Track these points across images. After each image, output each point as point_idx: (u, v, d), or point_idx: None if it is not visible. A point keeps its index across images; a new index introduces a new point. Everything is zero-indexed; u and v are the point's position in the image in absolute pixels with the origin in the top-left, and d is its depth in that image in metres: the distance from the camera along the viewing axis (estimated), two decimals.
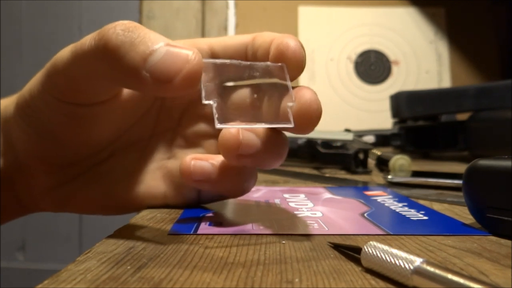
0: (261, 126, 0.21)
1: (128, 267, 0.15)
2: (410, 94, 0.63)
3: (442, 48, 0.95)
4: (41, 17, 1.11)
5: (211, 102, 0.20)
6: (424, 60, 0.95)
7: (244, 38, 0.24)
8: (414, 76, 0.95)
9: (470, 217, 0.21)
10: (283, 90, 0.21)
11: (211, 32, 0.98)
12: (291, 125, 0.20)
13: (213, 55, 0.25)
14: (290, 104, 0.21)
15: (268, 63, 0.22)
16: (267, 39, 0.23)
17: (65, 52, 0.21)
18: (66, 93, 0.23)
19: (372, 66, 0.95)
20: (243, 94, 0.24)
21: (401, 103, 0.62)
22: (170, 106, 0.26)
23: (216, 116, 0.20)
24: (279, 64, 0.21)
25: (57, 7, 1.11)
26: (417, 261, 0.13)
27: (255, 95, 0.23)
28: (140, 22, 0.99)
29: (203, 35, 0.97)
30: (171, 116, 0.27)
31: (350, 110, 0.91)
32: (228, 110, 0.22)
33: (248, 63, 0.22)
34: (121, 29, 0.19)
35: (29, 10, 1.11)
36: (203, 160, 0.23)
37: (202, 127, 0.26)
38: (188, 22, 0.98)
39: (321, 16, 0.97)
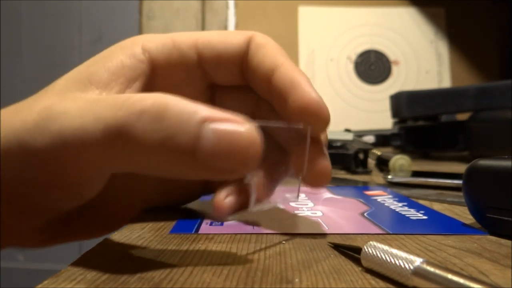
0: (274, 206, 0.21)
1: (128, 267, 0.15)
2: (410, 94, 0.63)
3: (442, 48, 0.95)
4: (41, 17, 1.11)
5: (251, 182, 0.19)
6: (424, 60, 0.95)
7: (238, 44, 0.21)
8: (414, 76, 0.95)
9: (470, 217, 0.21)
10: (301, 151, 0.20)
11: None
12: (295, 200, 0.21)
13: (202, 62, 0.22)
14: (300, 176, 0.20)
15: (295, 125, 0.20)
16: (268, 62, 0.21)
17: (44, 139, 0.17)
18: (62, 179, 0.18)
19: (372, 66, 0.95)
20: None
21: (401, 103, 0.62)
22: None
23: (253, 198, 0.19)
24: (304, 126, 0.20)
25: (57, 7, 1.11)
26: (417, 261, 0.13)
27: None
28: (140, 22, 0.99)
29: None
30: None
31: (350, 110, 0.91)
32: None
33: (286, 124, 0.21)
34: (149, 122, 0.15)
35: (29, 10, 1.11)
36: (236, 195, 0.22)
37: None
38: (188, 22, 0.98)
39: (321, 16, 0.97)
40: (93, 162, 0.17)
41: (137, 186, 0.24)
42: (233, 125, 0.16)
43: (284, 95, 0.20)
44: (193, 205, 0.27)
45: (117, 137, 0.16)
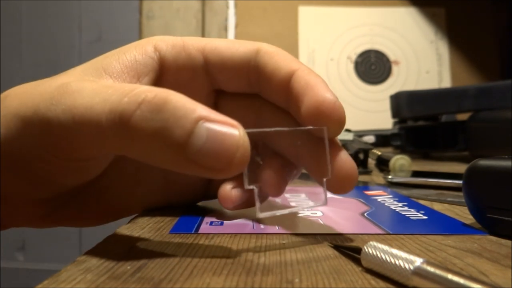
0: (296, 210, 0.21)
1: (128, 267, 0.15)
2: (410, 94, 0.63)
3: (442, 48, 0.95)
4: (41, 17, 1.11)
5: (254, 187, 0.19)
6: (424, 60, 0.95)
7: (245, 53, 0.22)
8: (414, 76, 0.95)
9: (470, 217, 0.21)
10: (320, 155, 0.20)
11: (211, 32, 0.98)
12: (324, 205, 0.20)
13: (208, 66, 0.23)
14: (325, 179, 0.20)
15: (310, 127, 0.20)
16: (283, 69, 0.21)
17: (56, 111, 0.18)
18: (68, 153, 0.19)
19: (372, 66, 0.95)
20: (277, 162, 0.22)
21: (401, 103, 0.62)
22: None
23: (258, 205, 0.19)
24: (320, 127, 0.20)
25: (57, 7, 1.11)
26: (417, 261, 0.13)
27: (288, 169, 0.22)
28: (140, 22, 0.99)
29: (203, 35, 0.97)
30: None
31: (350, 110, 0.91)
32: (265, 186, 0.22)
33: (291, 129, 0.20)
34: (148, 111, 0.16)
35: (29, 10, 1.11)
36: (241, 188, 0.23)
37: None
38: (188, 22, 0.98)
39: (321, 16, 0.97)
40: (94, 142, 0.18)
41: (139, 180, 0.25)
42: (227, 128, 0.16)
43: (300, 98, 0.20)
44: (194, 205, 0.27)
45: (118, 122, 0.17)
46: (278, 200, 0.28)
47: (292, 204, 0.27)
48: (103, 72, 0.20)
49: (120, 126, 0.17)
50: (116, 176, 0.24)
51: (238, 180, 0.23)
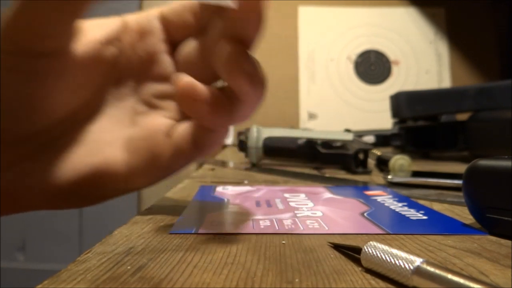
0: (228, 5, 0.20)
1: (128, 267, 0.15)
2: (410, 94, 0.63)
3: (442, 48, 0.95)
4: None
5: None
6: (424, 60, 0.95)
7: None
8: (414, 76, 0.95)
9: (470, 217, 0.21)
10: None
11: None
12: (230, 5, 0.19)
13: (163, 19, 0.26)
14: None
15: None
16: None
17: None
18: (31, 39, 0.20)
19: (372, 66, 0.95)
20: None
21: (401, 103, 0.62)
22: (125, 70, 0.25)
23: None
24: None
25: None
26: (417, 261, 0.13)
27: None
28: None
29: None
30: (127, 80, 0.25)
31: (350, 110, 0.91)
32: None
33: None
34: None
35: None
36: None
37: (160, 87, 0.25)
38: None
39: (321, 16, 0.97)
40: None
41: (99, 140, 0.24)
42: None
43: None
44: (194, 205, 0.27)
45: None
46: (278, 200, 0.28)
47: (292, 205, 0.27)
48: None
49: None
50: (73, 134, 0.23)
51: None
